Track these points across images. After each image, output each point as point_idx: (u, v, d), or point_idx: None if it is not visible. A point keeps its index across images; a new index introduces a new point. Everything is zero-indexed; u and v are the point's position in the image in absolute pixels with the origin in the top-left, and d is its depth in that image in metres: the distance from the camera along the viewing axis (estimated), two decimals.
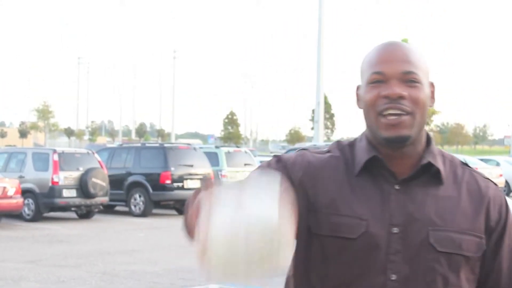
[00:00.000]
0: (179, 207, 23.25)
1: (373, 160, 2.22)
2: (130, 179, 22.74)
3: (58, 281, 11.35)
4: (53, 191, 20.35)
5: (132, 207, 22.56)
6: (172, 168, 22.30)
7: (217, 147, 26.40)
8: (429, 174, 2.23)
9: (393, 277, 2.15)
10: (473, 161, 34.56)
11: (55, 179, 20.38)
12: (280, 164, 2.26)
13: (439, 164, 2.25)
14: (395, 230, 2.17)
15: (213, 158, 24.76)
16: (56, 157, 20.60)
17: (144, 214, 22.22)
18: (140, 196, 22.40)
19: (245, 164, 25.40)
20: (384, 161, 2.21)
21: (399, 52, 2.20)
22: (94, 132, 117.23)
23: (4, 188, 18.65)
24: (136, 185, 22.59)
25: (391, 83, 2.16)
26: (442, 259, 2.17)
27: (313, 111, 64.29)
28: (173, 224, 20.26)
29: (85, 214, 21.49)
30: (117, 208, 24.08)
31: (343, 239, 2.17)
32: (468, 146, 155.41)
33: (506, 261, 2.28)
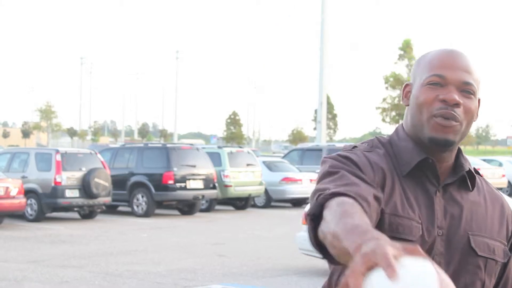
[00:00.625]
0: (182, 207, 23.28)
1: (423, 162, 2.25)
2: (133, 179, 22.76)
3: (61, 281, 11.36)
4: (56, 191, 20.37)
5: (135, 207, 22.57)
6: (175, 168, 22.31)
7: (219, 147, 26.38)
8: (460, 180, 2.31)
9: None
10: (476, 162, 34.56)
11: (58, 179, 20.40)
12: (352, 163, 2.19)
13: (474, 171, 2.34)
14: (440, 232, 2.24)
15: (215, 158, 24.76)
16: (59, 157, 20.62)
17: (146, 214, 22.24)
18: (142, 197, 22.41)
19: (248, 165, 25.40)
20: (436, 163, 2.26)
21: (462, 61, 2.25)
22: (97, 132, 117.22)
23: (7, 188, 18.67)
24: (139, 185, 22.61)
25: (450, 89, 2.21)
26: (481, 263, 2.25)
27: (315, 111, 64.28)
28: (176, 224, 20.28)
29: (87, 214, 21.51)
30: (120, 208, 24.11)
31: (403, 240, 2.15)
32: (470, 147, 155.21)
33: None
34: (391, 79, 43.86)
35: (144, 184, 22.49)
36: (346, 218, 1.77)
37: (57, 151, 20.91)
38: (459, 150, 2.33)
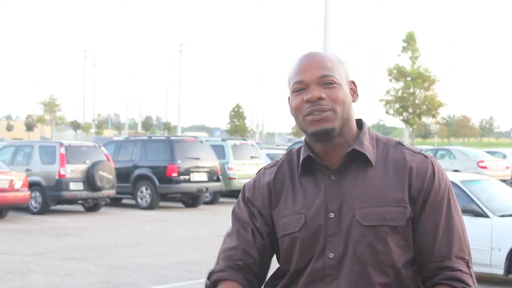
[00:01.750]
0: (186, 199, 23.29)
1: (309, 159, 2.54)
2: (137, 172, 22.78)
3: (65, 274, 11.38)
4: (60, 184, 20.39)
5: (139, 200, 22.60)
6: (179, 161, 22.32)
7: (223, 140, 26.38)
8: (360, 160, 2.50)
9: (331, 255, 2.46)
10: (480, 154, 34.52)
11: (62, 172, 20.42)
12: (246, 202, 2.68)
13: (367, 148, 2.51)
14: (332, 215, 2.47)
15: (219, 151, 24.76)
16: (63, 150, 20.63)
17: (150, 207, 22.26)
18: (146, 189, 22.43)
19: (252, 157, 25.40)
20: (316, 157, 2.53)
21: (315, 60, 2.51)
22: (101, 125, 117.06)
23: (11, 181, 18.69)
24: (143, 178, 22.63)
25: (311, 88, 2.47)
26: (369, 232, 2.44)
27: None
28: (180, 216, 20.30)
29: (92, 207, 21.53)
30: (124, 201, 24.14)
31: (290, 234, 2.52)
32: (474, 139, 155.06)
33: (428, 224, 2.48)
34: (395, 71, 43.75)
35: (148, 176, 22.50)
36: None
37: (61, 144, 20.93)
38: (359, 134, 2.54)
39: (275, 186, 2.60)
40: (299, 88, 2.51)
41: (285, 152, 2.72)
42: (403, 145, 2.56)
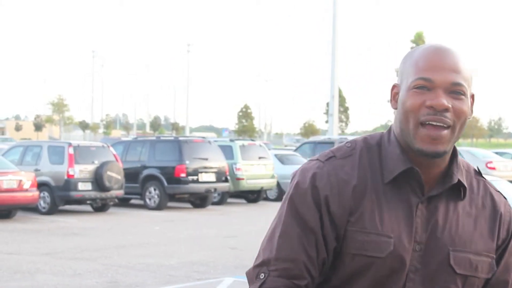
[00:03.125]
0: (194, 200, 23.31)
1: (408, 171, 2.14)
2: (145, 172, 22.80)
3: (74, 274, 11.40)
4: (69, 184, 20.43)
5: (147, 200, 22.62)
6: (187, 162, 22.33)
7: (231, 140, 26.38)
8: (451, 188, 2.18)
9: None
10: (488, 154, 34.45)
11: (71, 172, 20.46)
12: (316, 199, 2.14)
13: (464, 180, 2.19)
14: (417, 248, 2.14)
15: (227, 151, 24.76)
16: (71, 150, 20.67)
17: (159, 207, 22.28)
18: (155, 189, 22.45)
19: (260, 158, 25.39)
20: (420, 174, 2.14)
21: (450, 60, 2.11)
22: (109, 125, 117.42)
23: (20, 181, 18.74)
24: (151, 178, 22.65)
25: (438, 93, 2.08)
26: (459, 281, 2.15)
27: (327, 104, 64.19)
28: (188, 217, 20.32)
29: (100, 207, 21.56)
30: (132, 201, 24.16)
31: (370, 257, 2.11)
32: (483, 139, 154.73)
33: (502, 276, 2.24)
34: None
35: (156, 177, 22.52)
36: None
37: (70, 144, 20.96)
38: (454, 154, 2.19)
39: (357, 188, 2.14)
40: (422, 85, 2.08)
41: (360, 138, 2.26)
42: (484, 178, 2.27)
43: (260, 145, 26.55)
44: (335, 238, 2.12)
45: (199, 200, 23.32)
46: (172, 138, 24.63)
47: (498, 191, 2.28)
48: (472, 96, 2.17)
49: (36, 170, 20.55)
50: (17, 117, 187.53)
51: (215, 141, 25.70)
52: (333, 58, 33.67)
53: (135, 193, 22.97)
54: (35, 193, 19.09)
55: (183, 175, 22.21)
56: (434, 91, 2.08)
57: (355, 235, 2.11)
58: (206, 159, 22.88)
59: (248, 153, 25.37)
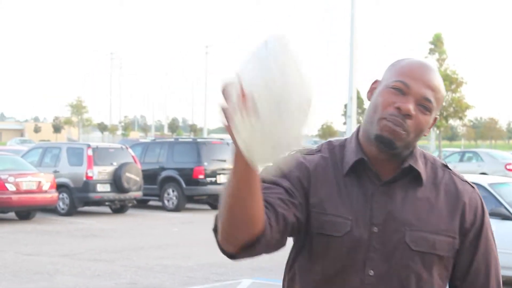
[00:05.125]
0: (212, 202, 23.31)
1: (360, 162, 2.35)
2: (164, 174, 22.84)
3: (93, 275, 11.44)
4: (88, 185, 20.51)
5: (166, 202, 22.66)
6: (205, 163, 22.36)
7: None
8: (410, 176, 2.36)
9: (371, 272, 2.31)
10: (507, 156, 34.29)
11: (90, 174, 20.54)
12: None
13: (420, 167, 2.37)
14: (375, 229, 2.32)
15: None
16: (90, 152, 20.75)
17: (177, 209, 22.32)
18: (173, 191, 22.49)
19: None
20: (369, 163, 2.34)
21: (431, 78, 2.33)
22: (127, 127, 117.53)
23: (39, 182, 18.83)
24: (170, 180, 22.69)
25: (408, 99, 2.29)
26: (417, 258, 2.31)
27: (345, 106, 64.09)
28: (206, 218, 20.32)
29: (119, 208, 21.63)
30: (151, 202, 24.21)
31: (329, 236, 2.32)
32: (502, 141, 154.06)
33: (482, 262, 2.40)
34: None
35: (174, 178, 22.56)
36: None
37: (89, 146, 21.05)
38: (415, 148, 2.39)
39: (317, 173, 2.37)
40: (399, 88, 2.29)
41: (324, 142, 2.49)
42: (450, 169, 2.45)
43: None
44: (302, 196, 2.33)
45: (218, 202, 23.24)
46: (190, 139, 24.67)
47: (466, 181, 2.44)
48: (435, 119, 2.38)
49: (55, 171, 20.64)
50: (36, 119, 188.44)
51: None
52: (351, 60, 33.60)
53: (153, 194, 23.01)
54: (54, 194, 19.18)
55: (201, 176, 22.24)
56: (406, 97, 2.29)
57: (316, 216, 2.33)
58: (224, 160, 22.88)
59: None
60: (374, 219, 2.32)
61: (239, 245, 2.23)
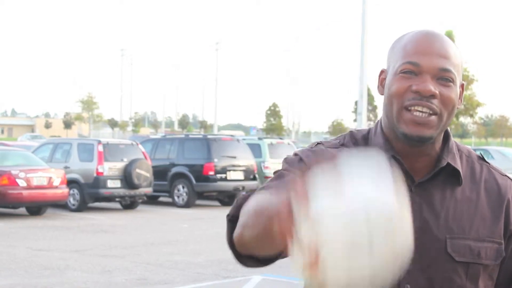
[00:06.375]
0: (222, 198, 23.35)
1: (390, 160, 2.02)
2: (174, 170, 22.88)
3: (103, 270, 11.47)
4: (98, 181, 20.55)
5: (176, 198, 22.70)
6: (216, 160, 22.39)
7: (260, 138, 26.42)
8: (446, 173, 2.09)
9: (408, 287, 2.04)
10: None
11: (100, 170, 20.58)
12: (302, 163, 2.08)
13: (458, 163, 2.11)
14: None
15: (256, 149, 24.79)
16: (101, 148, 20.80)
17: (187, 205, 22.35)
18: (183, 187, 22.53)
19: None
20: (402, 162, 2.06)
21: (439, 45, 2.04)
22: (137, 123, 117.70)
23: (50, 178, 18.88)
24: (180, 176, 22.72)
25: (425, 78, 2.00)
26: (460, 269, 2.05)
27: (356, 102, 64.03)
28: (216, 215, 20.35)
29: (129, 204, 21.67)
30: (161, 199, 24.26)
31: None
32: None
33: None
34: None
35: (185, 175, 22.59)
36: (264, 197, 1.76)
37: (99, 142, 21.10)
38: (446, 139, 2.13)
39: None
40: (409, 70, 2.01)
41: (347, 133, 2.21)
42: (487, 162, 2.18)
43: (288, 144, 26.58)
44: None
45: (227, 198, 23.35)
46: (200, 136, 24.70)
47: (505, 175, 2.19)
48: (462, 86, 2.11)
49: (66, 167, 20.70)
50: (46, 115, 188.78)
51: (244, 139, 25.74)
52: (362, 57, 33.56)
53: (163, 190, 23.06)
54: (64, 190, 19.23)
55: (211, 173, 22.26)
56: (421, 76, 2.01)
57: None
58: (235, 157, 22.91)
59: (276, 152, 25.39)
60: None
61: (257, 258, 1.97)
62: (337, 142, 2.16)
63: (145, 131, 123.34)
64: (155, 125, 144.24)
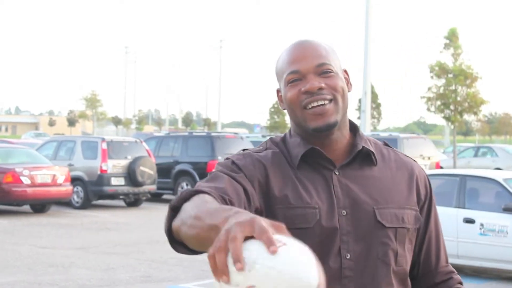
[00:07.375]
0: None
1: (310, 152, 2.34)
2: (178, 167, 22.90)
3: (107, 268, 11.49)
4: (102, 179, 20.58)
5: None
6: (219, 157, 22.39)
7: (263, 136, 26.42)
8: (362, 156, 2.38)
9: (348, 256, 2.29)
10: None
11: (104, 167, 20.61)
12: (235, 166, 2.30)
13: (371, 147, 2.40)
14: (344, 212, 2.31)
15: None
16: (104, 145, 20.82)
17: None
18: (187, 185, 22.54)
19: None
20: (323, 151, 2.33)
21: (309, 48, 2.33)
22: (141, 121, 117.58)
23: (54, 175, 18.91)
24: (184, 173, 22.74)
25: (308, 78, 2.28)
26: (391, 234, 2.33)
27: (359, 100, 63.93)
28: None
29: (133, 202, 21.70)
30: (165, 196, 24.29)
31: (300, 229, 2.25)
32: None
33: (434, 230, 2.47)
34: (437, 68, 43.37)
35: (188, 172, 22.61)
36: (208, 204, 1.89)
37: (103, 140, 21.12)
38: (355, 129, 2.42)
39: (274, 169, 2.32)
40: (294, 78, 2.30)
41: (267, 140, 2.46)
42: (390, 146, 2.50)
43: None
44: (260, 198, 2.26)
45: None
46: (204, 133, 24.72)
47: (407, 156, 2.50)
48: (345, 71, 2.41)
49: (70, 165, 20.73)
50: (50, 113, 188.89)
51: (247, 137, 25.76)
52: (366, 54, 33.54)
53: (167, 188, 23.08)
54: (68, 187, 19.26)
55: None
56: (305, 79, 2.29)
57: (283, 211, 2.28)
58: None
59: None
60: (340, 203, 2.31)
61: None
62: (261, 148, 2.42)
63: (149, 128, 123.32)
64: (158, 123, 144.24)
